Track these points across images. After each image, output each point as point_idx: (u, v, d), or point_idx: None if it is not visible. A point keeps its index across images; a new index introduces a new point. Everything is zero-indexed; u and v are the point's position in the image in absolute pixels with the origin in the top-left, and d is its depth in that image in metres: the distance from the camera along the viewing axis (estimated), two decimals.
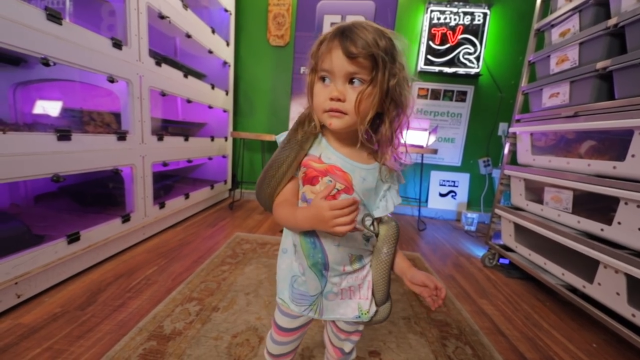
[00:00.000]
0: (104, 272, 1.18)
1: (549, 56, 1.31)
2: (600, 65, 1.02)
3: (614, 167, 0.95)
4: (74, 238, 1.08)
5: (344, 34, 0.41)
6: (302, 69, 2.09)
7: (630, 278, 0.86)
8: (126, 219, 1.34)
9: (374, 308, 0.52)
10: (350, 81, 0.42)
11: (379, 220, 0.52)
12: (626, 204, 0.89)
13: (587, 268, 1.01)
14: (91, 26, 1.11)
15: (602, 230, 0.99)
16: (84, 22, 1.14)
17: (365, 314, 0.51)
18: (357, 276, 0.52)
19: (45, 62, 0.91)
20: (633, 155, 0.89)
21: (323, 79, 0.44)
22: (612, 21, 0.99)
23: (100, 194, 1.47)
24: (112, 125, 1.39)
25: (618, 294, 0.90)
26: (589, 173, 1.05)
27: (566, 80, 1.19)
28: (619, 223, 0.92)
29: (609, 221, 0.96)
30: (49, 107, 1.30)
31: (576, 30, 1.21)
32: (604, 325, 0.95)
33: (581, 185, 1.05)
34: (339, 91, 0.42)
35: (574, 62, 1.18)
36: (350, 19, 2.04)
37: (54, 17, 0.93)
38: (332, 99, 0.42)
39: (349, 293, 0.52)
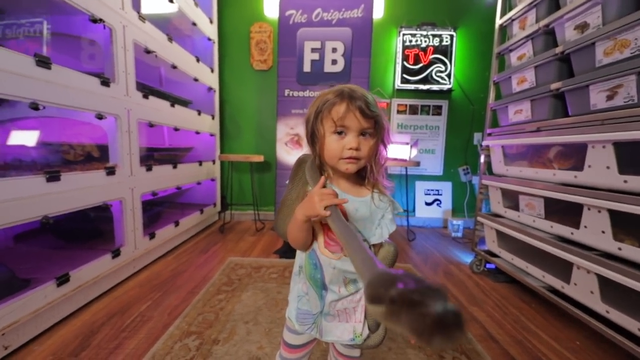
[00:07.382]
0: (96, 311, 1.14)
1: (510, 77, 1.46)
2: (553, 86, 1.15)
3: (575, 177, 1.06)
4: (63, 280, 1.05)
5: (352, 98, 0.51)
6: (287, 92, 2.16)
7: (601, 277, 0.95)
8: (116, 253, 1.32)
9: (367, 331, 0.57)
10: (362, 134, 0.53)
11: (379, 246, 0.57)
12: (589, 209, 0.99)
13: (564, 269, 1.10)
14: (75, 60, 1.12)
15: (572, 233, 1.08)
16: (67, 57, 1.15)
17: (359, 336, 0.56)
18: (351, 299, 0.57)
19: (35, 107, 0.92)
20: (589, 166, 1.00)
21: (339, 132, 0.53)
22: (559, 49, 1.13)
23: (86, 229, 1.44)
24: (101, 159, 1.38)
25: (592, 292, 0.98)
26: (555, 182, 1.16)
27: (527, 98, 1.33)
28: (585, 227, 1.02)
29: (577, 225, 1.06)
30: (31, 144, 1.28)
31: (531, 55, 1.35)
32: (584, 323, 1.02)
33: (550, 193, 1.15)
34: (356, 142, 0.52)
35: (532, 83, 1.32)
36: (329, 44, 2.15)
37: (43, 62, 0.95)
38: (351, 149, 0.52)
39: (345, 316, 0.57)
